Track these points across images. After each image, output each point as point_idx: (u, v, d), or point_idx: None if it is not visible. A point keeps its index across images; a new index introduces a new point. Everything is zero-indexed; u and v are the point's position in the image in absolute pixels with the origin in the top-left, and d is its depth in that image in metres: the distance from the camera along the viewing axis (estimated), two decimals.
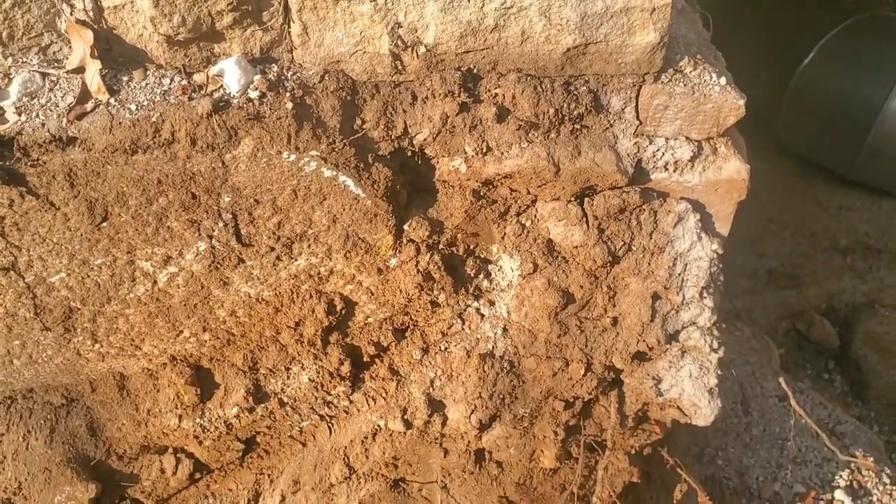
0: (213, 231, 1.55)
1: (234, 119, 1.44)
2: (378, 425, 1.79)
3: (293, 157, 1.48)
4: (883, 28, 4.42)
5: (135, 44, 1.46)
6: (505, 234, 1.67)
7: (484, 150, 1.56)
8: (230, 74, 1.45)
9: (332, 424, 1.84)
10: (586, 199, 1.63)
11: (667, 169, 1.63)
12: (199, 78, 1.46)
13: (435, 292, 1.68)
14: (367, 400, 1.79)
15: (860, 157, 4.38)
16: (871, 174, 4.44)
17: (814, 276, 4.12)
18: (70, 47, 1.45)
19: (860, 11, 4.45)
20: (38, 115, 1.42)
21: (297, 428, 1.85)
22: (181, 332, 1.69)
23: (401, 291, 1.66)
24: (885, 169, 4.37)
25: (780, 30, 4.70)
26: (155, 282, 1.61)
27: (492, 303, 1.73)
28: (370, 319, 1.71)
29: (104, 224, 1.52)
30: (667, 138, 1.61)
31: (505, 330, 1.73)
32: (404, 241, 1.62)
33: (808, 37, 4.48)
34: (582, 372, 1.69)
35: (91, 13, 1.41)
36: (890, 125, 4.26)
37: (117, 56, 1.47)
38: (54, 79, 1.45)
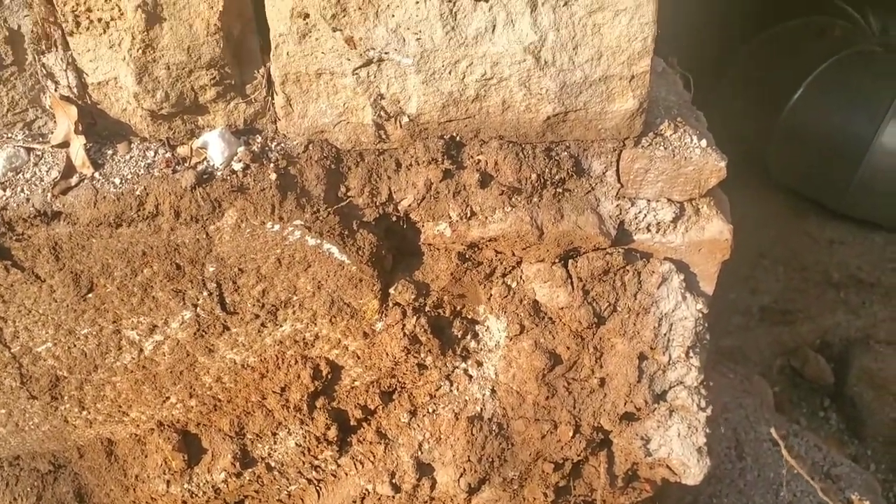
0: (198, 300, 1.55)
1: (217, 191, 1.45)
2: (366, 489, 1.78)
3: (277, 227, 1.49)
4: (870, 63, 4.47)
5: (119, 118, 1.47)
6: (491, 295, 1.68)
7: (468, 215, 1.57)
8: (214, 147, 1.46)
9: (321, 488, 1.83)
10: (570, 261, 1.64)
11: (649, 230, 1.64)
12: (182, 150, 1.48)
13: (422, 355, 1.68)
14: (354, 464, 1.78)
15: (851, 190, 4.41)
16: (863, 208, 4.47)
17: (807, 311, 4.12)
18: (55, 121, 1.47)
19: (847, 47, 4.51)
20: (23, 190, 1.43)
21: (286, 492, 1.84)
22: (168, 398, 1.69)
23: (387, 355, 1.66)
24: (876, 203, 4.40)
25: (770, 65, 4.75)
26: (141, 350, 1.61)
27: (480, 363, 1.73)
28: (357, 383, 1.71)
29: (90, 295, 1.52)
30: (648, 200, 1.62)
31: (493, 391, 1.73)
32: (390, 304, 1.63)
33: (796, 72, 4.53)
34: (571, 434, 1.69)
35: (75, 89, 1.43)
36: (879, 159, 4.30)
37: (102, 130, 1.48)
38: (39, 153, 1.46)
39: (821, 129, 4.46)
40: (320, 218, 1.50)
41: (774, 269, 4.32)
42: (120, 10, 1.33)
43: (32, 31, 1.38)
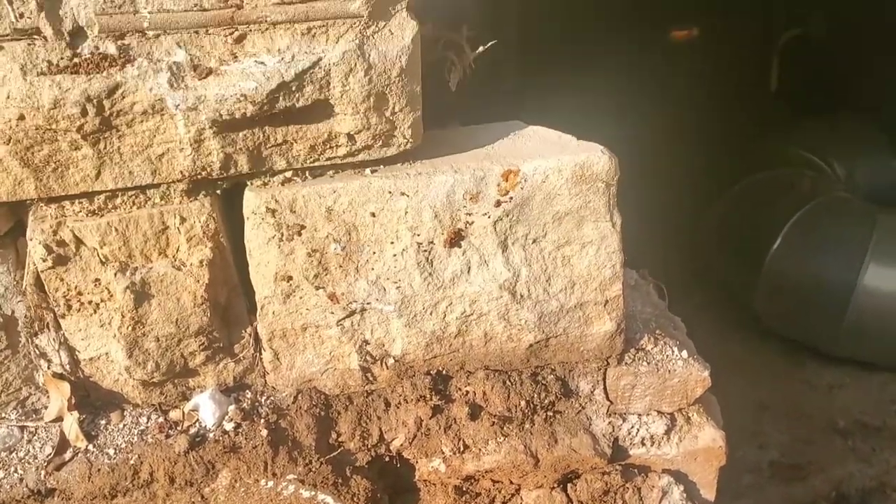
0: None
1: (210, 453, 1.46)
2: None
3: (271, 483, 1.49)
4: (841, 210, 4.61)
5: (111, 388, 1.50)
6: None
7: (461, 449, 1.58)
8: (205, 409, 1.48)
9: None
10: (569, 484, 1.63)
11: (644, 444, 1.64)
12: (174, 415, 1.50)
13: None
14: None
15: (842, 335, 4.44)
16: (857, 350, 4.48)
17: (817, 463, 4.05)
18: (48, 397, 1.49)
19: (817, 196, 4.65)
20: (16, 470, 1.44)
21: None
22: None
23: None
24: (869, 345, 4.41)
25: (746, 218, 4.89)
26: None
27: None
28: None
29: None
30: (639, 414, 1.64)
31: None
32: None
33: (772, 224, 4.66)
34: None
35: (67, 366, 1.47)
36: (865, 301, 4.35)
37: (95, 401, 1.51)
38: (32, 430, 1.48)
39: (804, 276, 4.53)
40: (313, 469, 1.50)
41: (778, 420, 4.27)
42: (109, 292, 1.39)
43: (26, 316, 1.43)
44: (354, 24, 1.30)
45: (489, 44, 1.54)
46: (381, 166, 1.46)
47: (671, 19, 5.40)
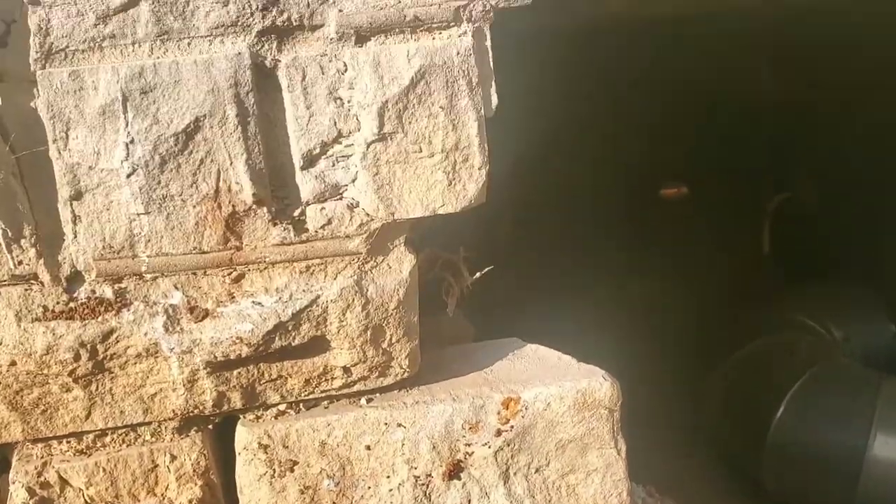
0: None
1: None
2: None
3: None
4: (841, 376, 4.55)
5: None
6: None
7: None
8: None
9: None
10: None
11: None
12: None
13: None
14: None
15: None
16: None
17: None
18: None
19: (816, 362, 4.60)
20: None
21: None
22: None
23: None
24: None
25: (747, 386, 4.82)
26: None
27: None
28: None
29: None
30: None
31: None
32: None
33: (774, 392, 4.58)
34: None
35: None
36: (876, 471, 4.23)
37: None
38: None
39: (810, 447, 4.42)
40: None
41: None
42: None
43: None
44: (353, 260, 1.31)
45: (486, 269, 1.54)
46: (377, 395, 1.43)
47: (659, 189, 5.50)
